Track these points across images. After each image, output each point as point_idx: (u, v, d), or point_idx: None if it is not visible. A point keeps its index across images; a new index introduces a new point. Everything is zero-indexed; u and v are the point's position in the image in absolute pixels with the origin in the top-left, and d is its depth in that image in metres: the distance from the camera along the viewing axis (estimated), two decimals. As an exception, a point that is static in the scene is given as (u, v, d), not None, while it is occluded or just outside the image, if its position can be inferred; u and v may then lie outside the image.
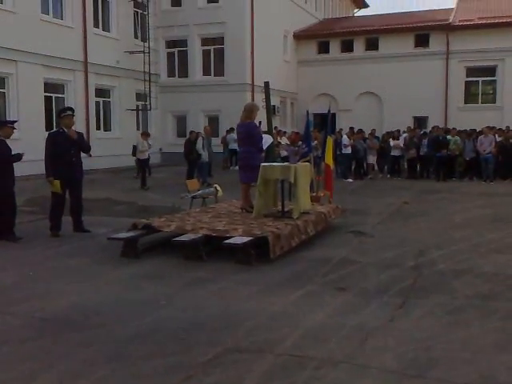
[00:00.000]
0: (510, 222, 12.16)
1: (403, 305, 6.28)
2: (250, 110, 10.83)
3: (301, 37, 37.83)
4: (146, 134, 21.47)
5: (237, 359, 4.84)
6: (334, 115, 32.26)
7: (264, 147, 11.10)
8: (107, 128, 29.66)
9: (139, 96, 31.42)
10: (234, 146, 25.58)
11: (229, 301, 6.50)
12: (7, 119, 10.90)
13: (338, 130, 26.95)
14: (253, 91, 31.65)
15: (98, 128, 28.72)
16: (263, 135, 11.50)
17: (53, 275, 7.80)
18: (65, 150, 10.57)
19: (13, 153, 10.40)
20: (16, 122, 11.54)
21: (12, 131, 10.64)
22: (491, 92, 35.22)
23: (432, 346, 5.09)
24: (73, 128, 10.97)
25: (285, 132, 29.02)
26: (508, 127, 25.19)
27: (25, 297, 6.73)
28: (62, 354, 5.01)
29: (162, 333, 5.47)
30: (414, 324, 5.68)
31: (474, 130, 24.25)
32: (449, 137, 22.97)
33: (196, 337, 5.37)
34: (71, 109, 11.54)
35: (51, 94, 25.78)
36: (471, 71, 34.67)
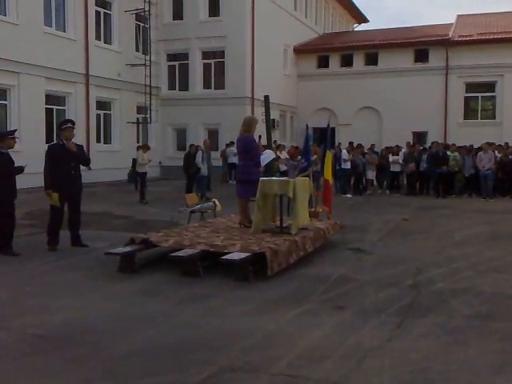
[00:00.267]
0: (510, 240, 12.13)
1: (401, 324, 6.23)
2: (249, 124, 10.82)
3: (301, 51, 37.93)
4: (145, 147, 21.44)
5: (232, 379, 4.79)
6: (333, 129, 32.30)
7: (265, 162, 11.06)
8: (107, 141, 29.68)
9: (140, 109, 31.53)
10: (233, 159, 25.68)
11: (225, 318, 6.46)
12: (7, 130, 10.77)
13: (336, 144, 26.89)
14: (253, 105, 31.71)
15: (99, 141, 28.75)
16: (266, 151, 11.49)
17: (49, 290, 7.76)
18: (64, 162, 10.51)
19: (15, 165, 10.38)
20: (16, 131, 11.42)
21: (14, 141, 10.56)
22: (491, 108, 35.24)
23: (429, 367, 5.04)
24: (73, 140, 10.94)
25: (283, 145, 28.90)
26: (507, 143, 25.15)
27: (20, 312, 6.69)
28: (56, 371, 4.97)
29: (158, 350, 5.42)
30: (412, 344, 5.62)
31: (472, 145, 24.21)
32: (449, 152, 22.94)
33: (191, 355, 5.32)
34: (72, 121, 11.49)
35: (52, 106, 25.83)
36: (471, 87, 34.72)
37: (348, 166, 23.19)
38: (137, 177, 22.31)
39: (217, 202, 13.17)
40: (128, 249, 9.11)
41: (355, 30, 51.31)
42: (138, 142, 29.80)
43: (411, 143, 26.53)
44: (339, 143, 27.51)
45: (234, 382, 4.74)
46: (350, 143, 25.77)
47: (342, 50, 37.33)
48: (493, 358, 5.30)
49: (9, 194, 10.15)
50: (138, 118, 31.61)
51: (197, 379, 4.75)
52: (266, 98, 14.33)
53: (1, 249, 10.08)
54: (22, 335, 5.93)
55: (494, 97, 34.58)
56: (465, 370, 5.00)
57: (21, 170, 10.50)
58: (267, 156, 11.13)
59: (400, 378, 4.80)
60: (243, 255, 8.29)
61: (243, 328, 6.09)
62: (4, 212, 10.10)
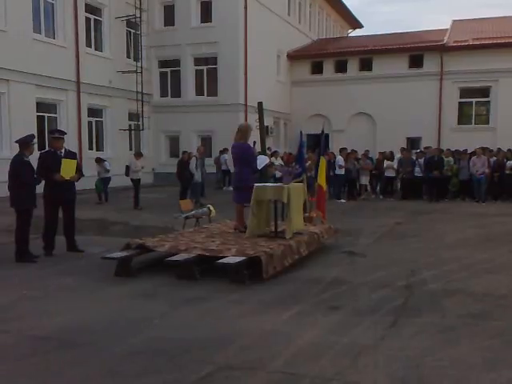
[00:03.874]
0: (501, 243, 12.25)
1: (394, 324, 6.34)
2: (245, 131, 10.91)
3: (294, 57, 37.96)
4: (138, 154, 21.47)
5: (229, 377, 4.88)
6: (327, 136, 32.36)
7: (260, 167, 11.14)
8: (99, 148, 29.66)
9: (132, 116, 31.59)
10: (226, 166, 25.74)
11: (222, 319, 6.55)
12: (27, 136, 10.71)
13: (330, 150, 26.77)
14: (246, 111, 31.73)
15: (91, 148, 28.79)
16: (259, 156, 11.57)
17: (46, 294, 7.83)
18: (56, 170, 10.58)
19: None
20: (34, 137, 10.97)
21: (33, 148, 10.60)
22: (485, 113, 35.21)
23: (422, 364, 5.14)
24: (65, 147, 11.04)
25: (277, 152, 28.87)
26: (499, 149, 25.20)
27: (19, 315, 6.77)
28: (55, 372, 5.06)
29: (155, 351, 5.51)
30: (405, 342, 5.73)
31: (466, 150, 24.33)
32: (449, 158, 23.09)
33: (189, 355, 5.41)
34: (60, 131, 11.50)
35: (44, 114, 25.85)
36: (465, 92, 34.68)
37: (342, 171, 23.24)
38: (102, 187, 22.03)
39: (211, 208, 13.25)
40: (124, 253, 9.20)
41: (349, 35, 51.36)
42: (130, 149, 29.92)
43: (405, 148, 26.54)
44: (329, 149, 27.49)
45: (232, 379, 4.83)
46: (343, 149, 25.08)
47: (336, 55, 37.27)
48: (484, 354, 5.41)
49: (30, 202, 10.23)
50: (130, 125, 31.66)
51: (195, 378, 4.85)
52: (260, 104, 14.34)
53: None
54: (21, 337, 6.00)
55: (488, 102, 34.53)
56: (457, 366, 5.11)
57: (40, 180, 10.52)
58: (262, 161, 11.19)
59: (394, 374, 4.90)
60: (239, 259, 8.39)
61: (240, 328, 6.18)
62: (25, 220, 10.21)
